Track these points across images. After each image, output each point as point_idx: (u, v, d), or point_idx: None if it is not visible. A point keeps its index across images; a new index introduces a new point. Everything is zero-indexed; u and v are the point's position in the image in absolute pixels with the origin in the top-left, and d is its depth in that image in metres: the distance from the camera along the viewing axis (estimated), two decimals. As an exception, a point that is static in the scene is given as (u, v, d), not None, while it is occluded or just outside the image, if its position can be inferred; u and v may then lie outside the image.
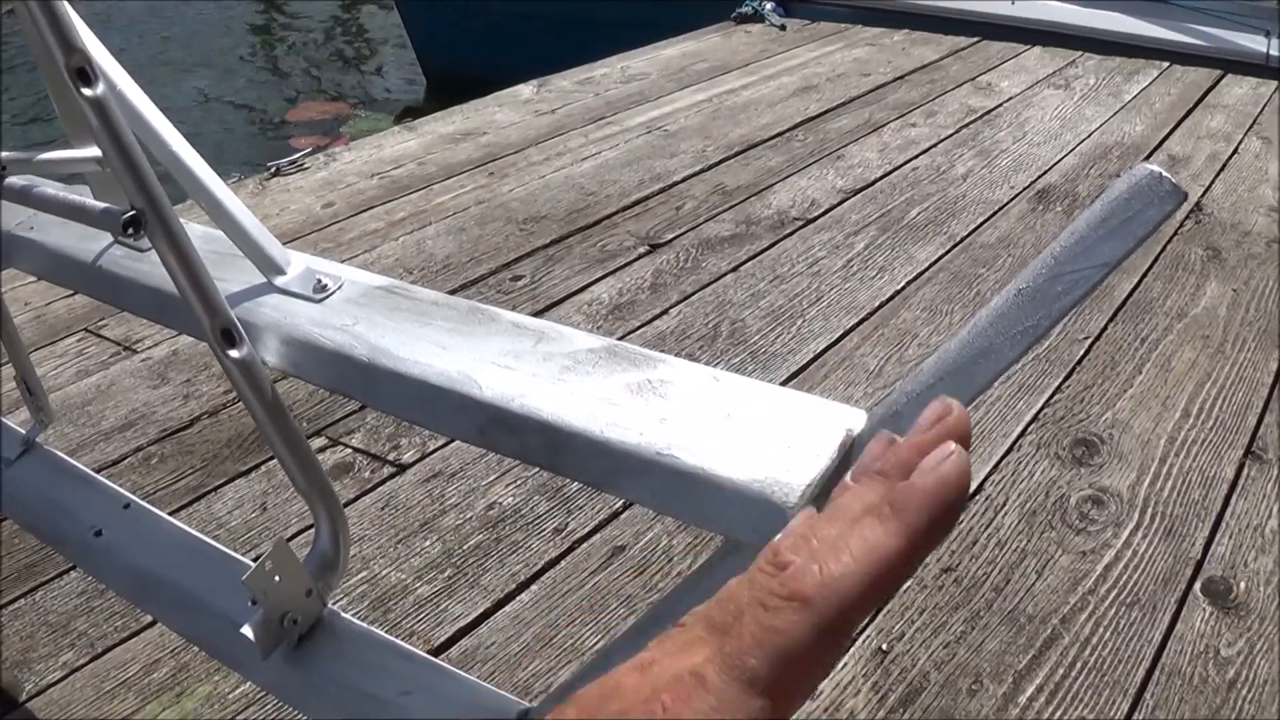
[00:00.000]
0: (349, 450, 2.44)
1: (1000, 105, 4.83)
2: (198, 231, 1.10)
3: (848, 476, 0.49)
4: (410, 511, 2.25)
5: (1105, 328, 2.92)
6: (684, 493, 0.77)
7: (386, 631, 1.17)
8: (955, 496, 0.47)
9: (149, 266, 1.13)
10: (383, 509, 2.26)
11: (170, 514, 1.38)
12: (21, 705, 1.81)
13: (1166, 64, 5.32)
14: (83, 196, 1.03)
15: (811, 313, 3.02)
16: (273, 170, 4.10)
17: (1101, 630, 1.95)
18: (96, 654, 1.91)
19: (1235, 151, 4.22)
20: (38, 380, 1.46)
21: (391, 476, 2.36)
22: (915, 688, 1.84)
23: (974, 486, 2.30)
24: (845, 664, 1.88)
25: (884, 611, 2.00)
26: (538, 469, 2.23)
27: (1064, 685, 1.84)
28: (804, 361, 2.77)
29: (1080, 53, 5.53)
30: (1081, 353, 2.80)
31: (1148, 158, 4.11)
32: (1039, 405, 2.58)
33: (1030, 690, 1.83)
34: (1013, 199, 3.80)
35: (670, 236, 3.52)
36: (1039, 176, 4.00)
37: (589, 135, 4.52)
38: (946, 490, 0.47)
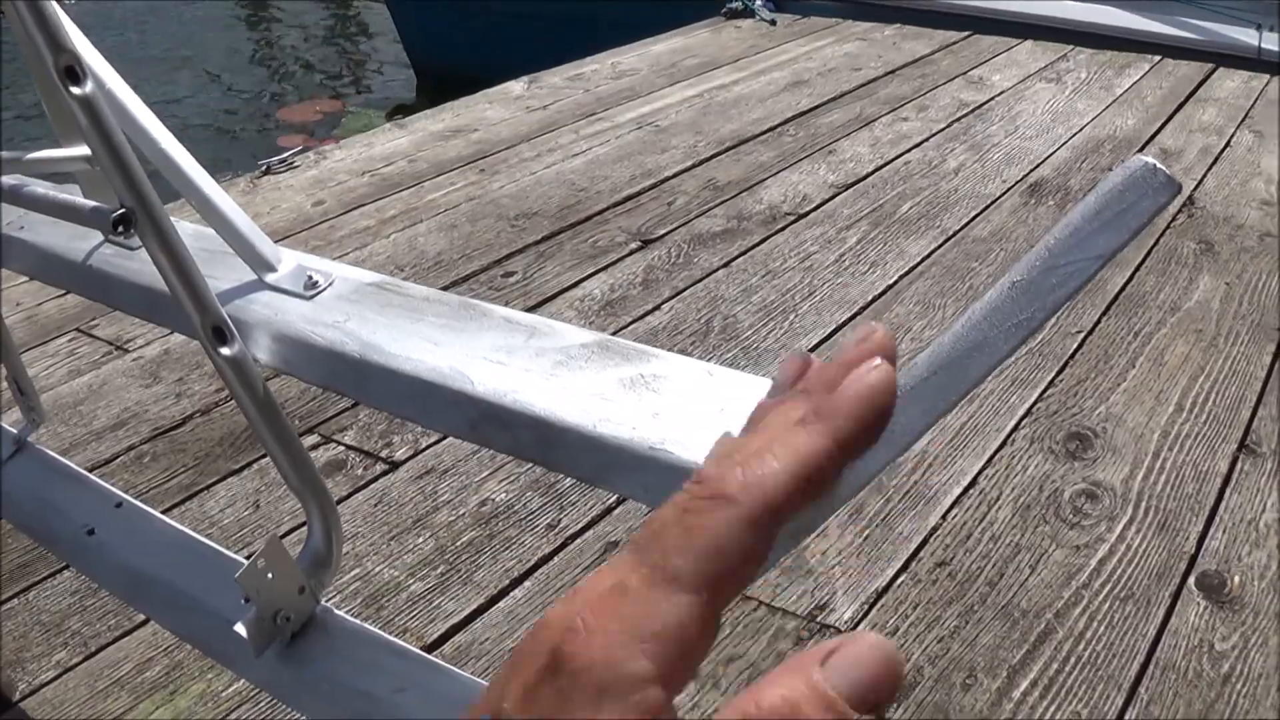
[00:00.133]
0: (341, 447, 2.44)
1: (992, 99, 4.83)
2: (188, 229, 1.09)
3: (765, 395, 0.48)
4: (403, 508, 2.25)
5: (1098, 322, 2.92)
6: (677, 487, 0.76)
7: (380, 629, 1.16)
8: (882, 402, 0.46)
9: (139, 265, 1.13)
10: (375, 506, 2.25)
11: (163, 513, 1.38)
12: (15, 705, 1.81)
13: (1158, 58, 5.33)
14: (73, 195, 1.02)
15: (804, 308, 3.01)
16: (263, 169, 4.09)
17: (1095, 624, 1.95)
18: (90, 653, 1.91)
19: (1227, 145, 4.23)
20: (29, 380, 1.46)
21: (384, 473, 2.35)
22: (909, 682, 1.84)
23: (967, 481, 2.31)
24: (839, 659, 1.88)
25: (877, 605, 2.00)
26: (530, 465, 2.23)
27: (1058, 679, 1.84)
28: (797, 357, 2.76)
29: (1072, 46, 5.53)
30: (1075, 346, 2.80)
31: (1140, 151, 4.11)
32: (1032, 399, 2.58)
33: (1024, 685, 1.83)
34: (1005, 193, 3.80)
35: (662, 232, 3.52)
36: (1031, 170, 4.00)
37: (580, 131, 4.51)
38: (874, 395, 0.46)
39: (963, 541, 2.15)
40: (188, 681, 1.84)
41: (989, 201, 3.72)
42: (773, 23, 6.10)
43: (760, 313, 2.99)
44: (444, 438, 2.43)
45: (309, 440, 2.45)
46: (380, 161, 4.23)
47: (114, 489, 1.33)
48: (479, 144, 4.40)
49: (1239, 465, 2.36)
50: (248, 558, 0.96)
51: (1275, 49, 5.24)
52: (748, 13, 6.21)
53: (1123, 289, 3.09)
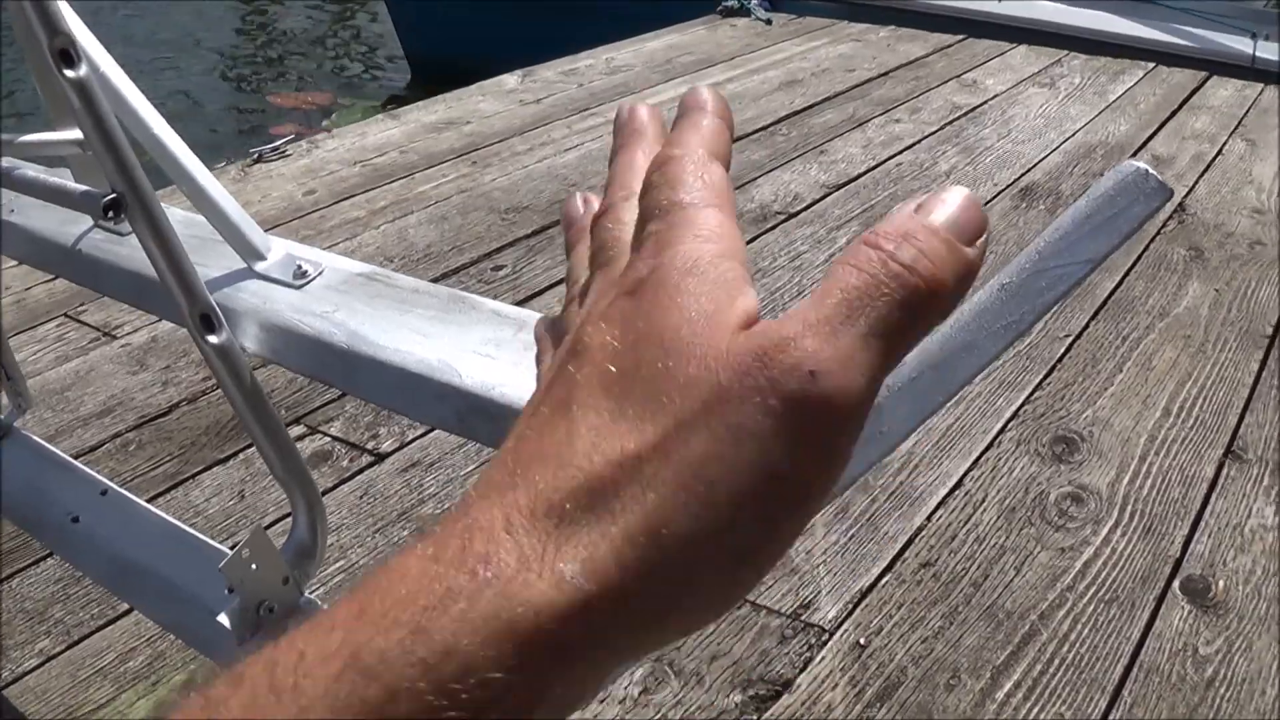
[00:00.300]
0: (328, 438, 2.43)
1: (985, 103, 4.83)
2: (178, 216, 1.09)
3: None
4: (388, 500, 2.24)
5: (1087, 326, 2.92)
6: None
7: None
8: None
9: (129, 250, 1.12)
10: (361, 498, 2.25)
11: (148, 501, 1.38)
12: (-4, 691, 1.81)
13: (1152, 64, 5.33)
14: (64, 180, 1.02)
15: (793, 307, 3.01)
16: (255, 157, 4.09)
17: (1080, 627, 1.95)
18: (73, 641, 1.91)
19: (1219, 153, 4.23)
20: (16, 365, 1.46)
21: (370, 465, 2.35)
22: (893, 682, 1.84)
23: (953, 482, 2.31)
24: (823, 658, 1.88)
25: (862, 605, 2.00)
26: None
27: (1042, 681, 1.84)
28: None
29: (1066, 52, 5.53)
30: (1063, 350, 2.80)
31: (1132, 158, 4.12)
32: (1019, 402, 2.59)
33: (1008, 686, 1.83)
34: (996, 196, 3.80)
35: (653, 229, 3.51)
36: (1023, 174, 4.00)
37: (573, 126, 4.51)
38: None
39: (948, 542, 2.15)
40: (170, 671, 1.84)
41: (980, 204, 3.71)
42: (768, 22, 6.10)
43: (750, 311, 2.98)
44: (431, 430, 2.43)
45: (295, 431, 2.44)
46: (372, 152, 4.22)
47: (99, 476, 1.33)
48: (471, 136, 4.40)
49: (1225, 471, 2.36)
50: (232, 548, 0.96)
51: (1269, 57, 5.24)
52: (743, 11, 6.21)
53: (1112, 293, 3.09)
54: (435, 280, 2.97)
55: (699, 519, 0.37)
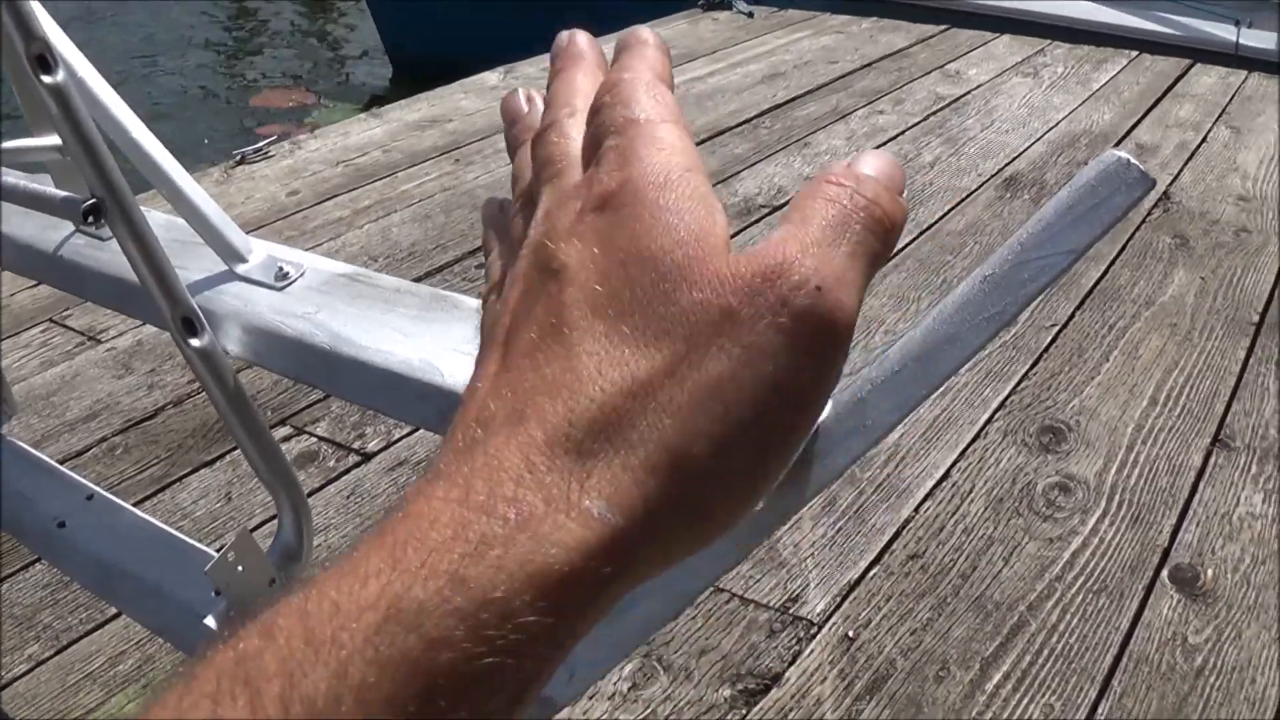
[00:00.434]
0: (314, 439, 2.43)
1: (968, 93, 4.83)
2: (159, 219, 1.09)
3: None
4: (375, 500, 2.24)
5: (1073, 315, 2.93)
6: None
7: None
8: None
9: (110, 255, 1.12)
10: (348, 498, 2.25)
11: (135, 505, 1.37)
12: (-14, 698, 1.81)
13: (1136, 53, 5.34)
14: (44, 185, 1.02)
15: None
16: (238, 158, 4.08)
17: (1069, 617, 1.95)
18: (62, 646, 1.90)
19: (1204, 140, 4.24)
20: (1, 371, 1.45)
21: (356, 465, 2.35)
22: (882, 674, 1.84)
23: (940, 474, 2.31)
24: (811, 651, 1.88)
25: (850, 598, 2.00)
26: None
27: (1031, 672, 1.84)
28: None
29: (1049, 41, 5.53)
30: (1049, 340, 2.81)
31: (1116, 146, 4.12)
32: (1006, 392, 2.59)
33: (997, 677, 1.83)
34: (980, 187, 3.80)
35: (638, 224, 3.51)
36: (1007, 164, 4.01)
37: (556, 123, 4.50)
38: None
39: (935, 534, 2.15)
40: (159, 675, 1.84)
41: (964, 195, 3.72)
42: (750, 15, 6.10)
43: (735, 305, 2.99)
44: (417, 430, 2.42)
45: (281, 432, 2.44)
46: (355, 151, 4.21)
47: (85, 481, 1.32)
48: (454, 134, 4.40)
49: (1213, 459, 2.37)
50: (219, 550, 0.96)
51: (1253, 45, 5.25)
52: (725, 4, 6.20)
53: (1097, 283, 3.09)
54: (420, 279, 2.97)
55: (717, 441, 0.39)
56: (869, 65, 5.24)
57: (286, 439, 2.42)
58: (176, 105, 8.26)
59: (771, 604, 1.98)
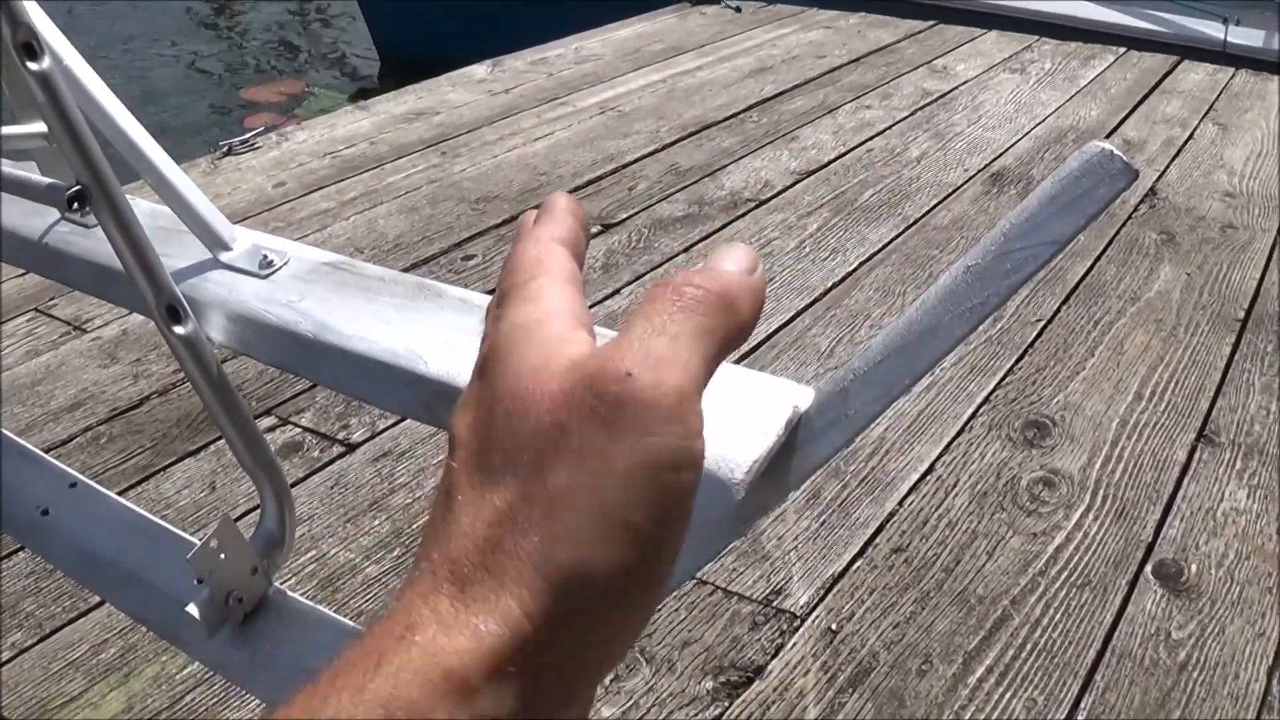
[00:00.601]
0: (298, 429, 2.43)
1: (955, 89, 4.83)
2: (144, 208, 1.08)
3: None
4: (359, 490, 2.24)
5: (1058, 310, 2.93)
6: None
7: (335, 611, 1.16)
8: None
9: (95, 243, 1.12)
10: (332, 488, 2.25)
11: (119, 494, 1.37)
12: (-33, 686, 1.80)
13: (1123, 49, 5.34)
14: (30, 173, 1.01)
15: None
16: (225, 149, 4.07)
17: (1052, 612, 1.96)
18: (44, 634, 1.90)
19: (1190, 137, 4.24)
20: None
21: (341, 455, 2.35)
22: (865, 668, 1.84)
23: (925, 467, 2.31)
24: (794, 644, 1.88)
25: (833, 590, 2.00)
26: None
27: (1014, 666, 1.84)
28: (755, 342, 2.77)
29: (1037, 37, 5.54)
30: (1034, 335, 2.81)
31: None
32: (990, 387, 2.59)
33: (980, 671, 1.83)
34: (966, 182, 3.81)
35: (623, 216, 3.52)
36: (993, 160, 4.01)
37: (542, 115, 4.50)
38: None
39: (919, 528, 2.16)
40: (142, 664, 1.83)
41: (950, 190, 3.73)
42: (738, 9, 6.09)
43: (722, 299, 2.98)
44: (402, 420, 2.43)
45: (266, 422, 2.44)
46: (342, 143, 4.21)
47: (69, 469, 1.32)
48: (441, 127, 4.39)
49: (1197, 454, 2.37)
50: (202, 539, 0.96)
51: (1241, 42, 5.26)
52: (713, -1, 6.21)
53: (1083, 278, 3.10)
54: (405, 270, 2.97)
55: (576, 543, 0.42)
56: (856, 60, 5.24)
57: (271, 429, 2.42)
58: (163, 95, 8.24)
59: (755, 597, 1.98)
